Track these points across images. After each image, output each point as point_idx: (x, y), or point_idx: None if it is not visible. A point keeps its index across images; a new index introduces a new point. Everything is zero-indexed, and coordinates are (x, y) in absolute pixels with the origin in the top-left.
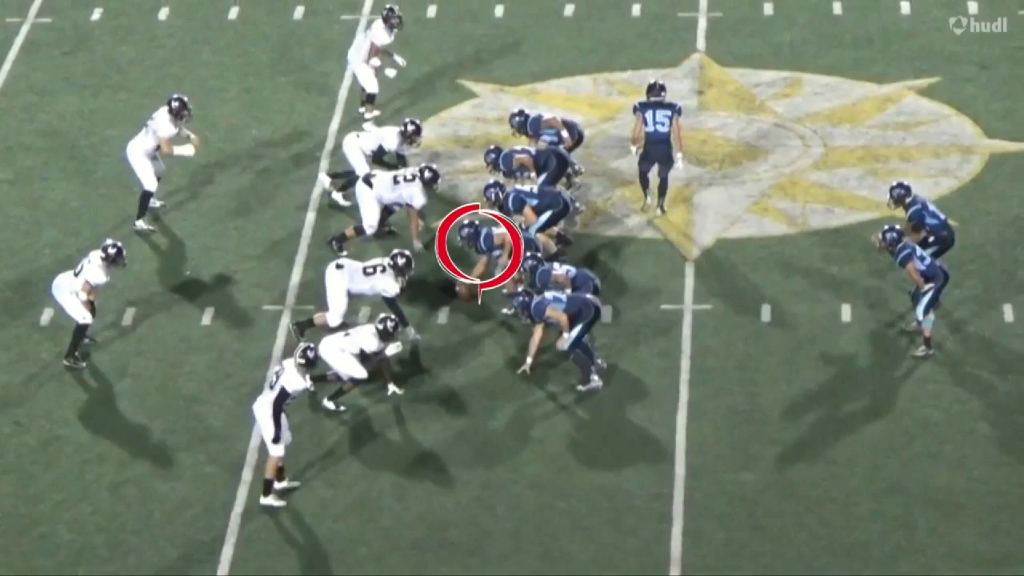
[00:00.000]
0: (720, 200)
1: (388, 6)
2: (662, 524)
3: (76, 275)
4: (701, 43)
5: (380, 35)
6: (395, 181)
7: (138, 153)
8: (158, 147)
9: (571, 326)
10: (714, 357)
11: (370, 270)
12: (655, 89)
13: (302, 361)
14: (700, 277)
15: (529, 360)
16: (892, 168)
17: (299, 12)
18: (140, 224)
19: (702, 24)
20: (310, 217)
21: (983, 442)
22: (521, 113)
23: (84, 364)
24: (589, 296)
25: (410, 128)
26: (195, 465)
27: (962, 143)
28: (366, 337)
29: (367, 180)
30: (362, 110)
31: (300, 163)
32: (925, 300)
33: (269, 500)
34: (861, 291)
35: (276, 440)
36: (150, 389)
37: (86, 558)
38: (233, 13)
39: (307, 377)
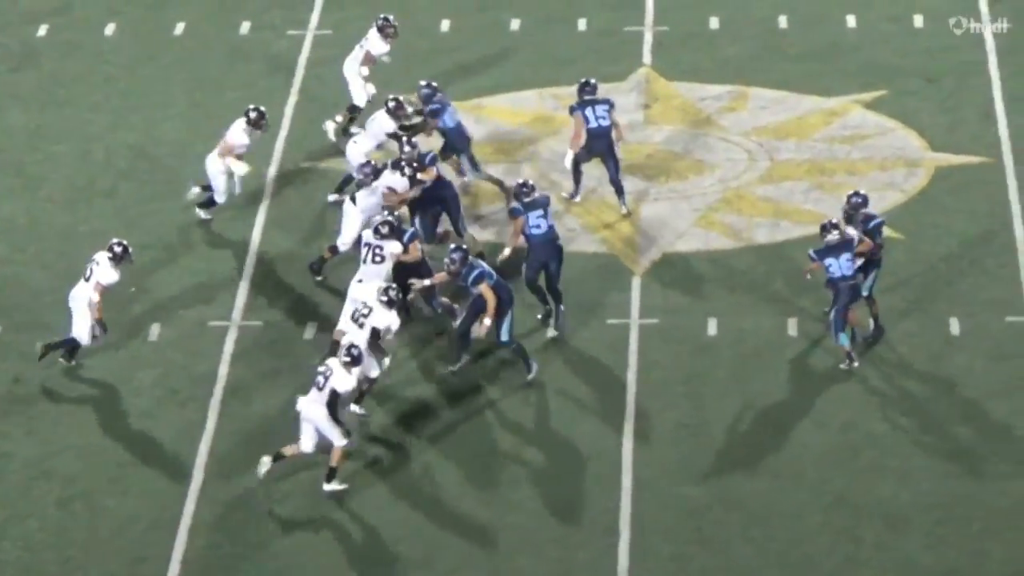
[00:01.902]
0: (666, 214)
1: (383, 16)
2: (610, 538)
3: (87, 280)
4: (647, 57)
5: (377, 45)
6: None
7: (216, 167)
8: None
9: (497, 314)
10: (660, 371)
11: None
12: (588, 87)
13: (347, 359)
14: (646, 291)
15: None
16: (838, 182)
17: (246, 27)
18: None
19: (648, 38)
20: (256, 233)
21: (929, 455)
22: (429, 85)
23: (40, 357)
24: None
25: (391, 104)
26: (143, 481)
27: (908, 156)
28: (378, 315)
29: (352, 198)
30: (339, 118)
31: (247, 179)
32: (835, 320)
33: (333, 486)
34: (807, 305)
35: (346, 435)
36: (97, 405)
37: (34, 575)
38: (179, 28)
39: (354, 373)
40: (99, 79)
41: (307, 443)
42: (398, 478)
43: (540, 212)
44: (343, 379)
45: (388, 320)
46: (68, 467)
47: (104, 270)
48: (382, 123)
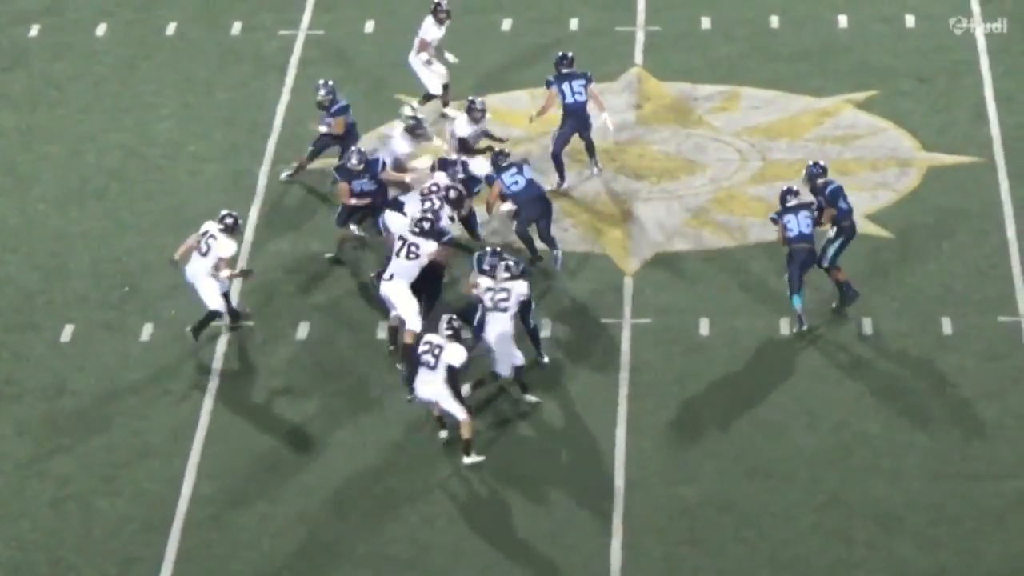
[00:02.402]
0: (658, 214)
1: (434, 1)
2: (602, 538)
3: (204, 255)
4: (639, 57)
5: (430, 30)
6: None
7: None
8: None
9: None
10: (653, 371)
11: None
12: (566, 60)
13: (449, 332)
14: (638, 291)
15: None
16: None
17: (237, 28)
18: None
19: (640, 38)
20: (248, 233)
21: (921, 455)
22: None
23: (196, 342)
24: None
25: (478, 106)
26: (135, 481)
27: (900, 156)
28: (448, 351)
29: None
30: (416, 105)
31: (239, 180)
32: (789, 280)
33: (472, 459)
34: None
35: (468, 411)
36: (89, 405)
37: (26, 575)
38: (171, 29)
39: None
40: (91, 80)
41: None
42: (387, 478)
43: (514, 171)
44: (455, 354)
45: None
46: (61, 467)
47: (222, 244)
48: (460, 129)
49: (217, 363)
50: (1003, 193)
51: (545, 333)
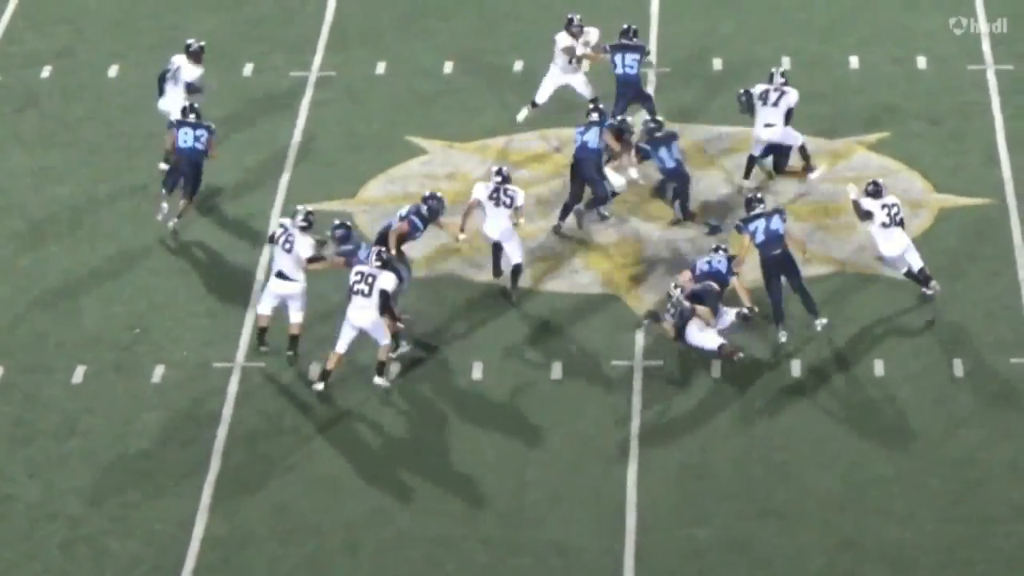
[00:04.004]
0: (670, 256)
1: (568, 15)
2: None
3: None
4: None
5: (567, 41)
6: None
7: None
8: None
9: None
10: (665, 413)
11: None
12: (628, 32)
13: (379, 262)
14: (650, 333)
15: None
16: (843, 223)
17: (248, 69)
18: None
19: (651, 79)
20: (259, 274)
21: (934, 497)
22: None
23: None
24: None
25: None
26: (146, 522)
27: (912, 198)
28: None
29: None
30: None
31: (250, 220)
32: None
33: (383, 380)
34: (813, 346)
35: (394, 335)
36: (100, 447)
37: None
38: None
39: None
40: (102, 121)
41: (342, 345)
42: (399, 520)
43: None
44: (386, 279)
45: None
46: (71, 509)
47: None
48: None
49: (228, 405)
50: (1015, 235)
51: (557, 374)
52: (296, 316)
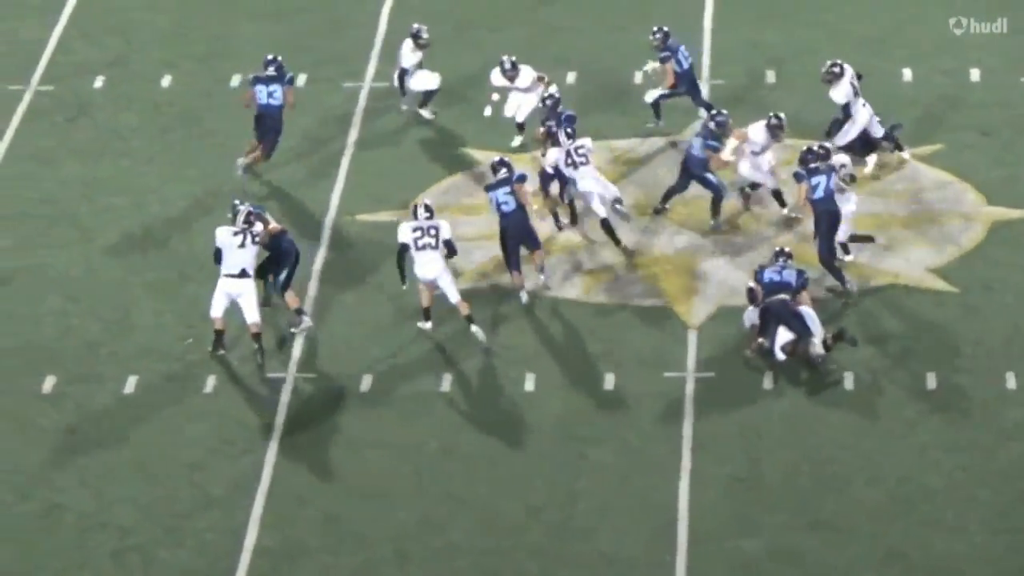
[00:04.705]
0: (722, 267)
1: (502, 58)
2: None
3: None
4: (703, 110)
5: (500, 81)
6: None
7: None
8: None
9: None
10: (716, 424)
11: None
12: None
13: (428, 214)
14: (702, 345)
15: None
16: (894, 235)
17: (301, 80)
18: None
19: (704, 91)
20: (312, 285)
21: (984, 509)
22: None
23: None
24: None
25: (774, 121)
26: (197, 533)
27: (964, 210)
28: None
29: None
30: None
31: (304, 232)
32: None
33: (478, 328)
34: (863, 359)
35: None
36: (151, 457)
37: None
38: (235, 80)
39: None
40: (155, 131)
41: (426, 299)
42: (449, 531)
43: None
44: (447, 227)
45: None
46: (122, 518)
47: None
48: (758, 136)
49: (279, 415)
50: None
51: (608, 386)
52: (253, 316)
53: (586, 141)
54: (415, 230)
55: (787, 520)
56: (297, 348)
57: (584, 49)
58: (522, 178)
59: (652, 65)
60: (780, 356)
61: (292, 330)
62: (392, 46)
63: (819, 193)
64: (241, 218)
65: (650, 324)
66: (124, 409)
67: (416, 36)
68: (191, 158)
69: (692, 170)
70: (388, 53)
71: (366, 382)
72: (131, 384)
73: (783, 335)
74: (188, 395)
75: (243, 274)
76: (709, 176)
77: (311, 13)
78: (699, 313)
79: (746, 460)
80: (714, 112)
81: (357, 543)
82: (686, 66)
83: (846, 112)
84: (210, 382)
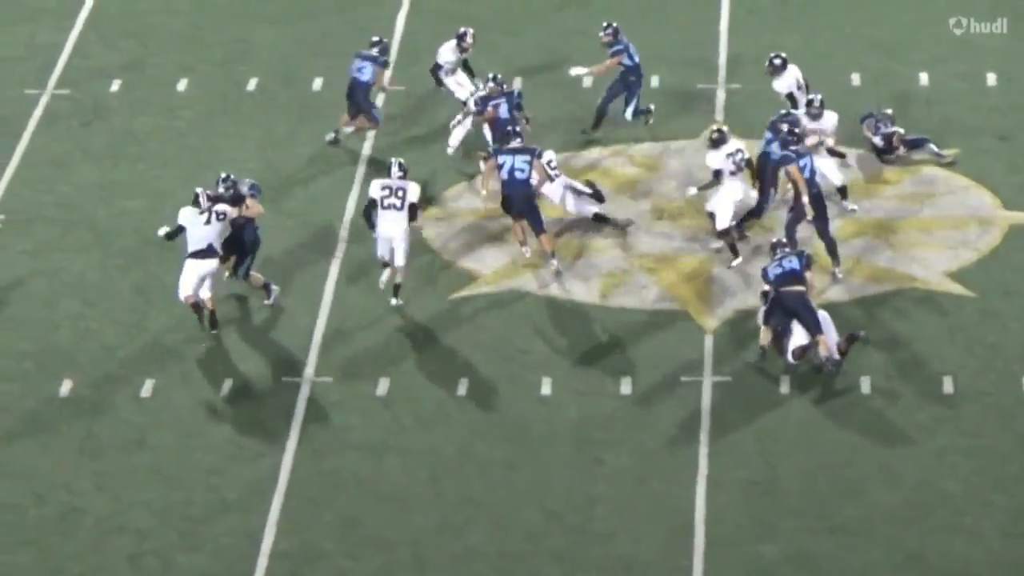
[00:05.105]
0: (738, 272)
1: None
2: None
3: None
4: (720, 114)
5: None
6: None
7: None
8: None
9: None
10: (733, 428)
11: None
12: None
13: (401, 173)
14: (718, 349)
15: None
16: (910, 240)
17: (318, 83)
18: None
19: (720, 96)
20: (329, 288)
21: (1001, 514)
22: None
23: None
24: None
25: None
26: (214, 537)
27: (981, 215)
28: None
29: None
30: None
31: (319, 235)
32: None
33: (399, 301)
34: (880, 363)
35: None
36: (169, 460)
37: None
38: (252, 84)
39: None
40: (171, 135)
41: (387, 256)
42: (467, 536)
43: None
44: (415, 189)
45: (416, 189)
46: (140, 522)
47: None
48: (830, 126)
49: (296, 419)
50: None
51: (626, 390)
52: (208, 292)
53: (550, 154)
54: (384, 188)
55: (804, 524)
56: (314, 352)
57: (599, 53)
58: (540, 154)
59: (579, 70)
60: (791, 360)
61: (266, 302)
62: (409, 50)
63: (807, 174)
64: (203, 199)
65: (667, 329)
66: (141, 413)
67: (461, 38)
68: (207, 162)
69: (766, 176)
70: (405, 56)
71: (383, 386)
72: (148, 388)
73: (798, 336)
74: (205, 398)
75: (210, 249)
76: (774, 190)
77: (328, 17)
78: (715, 318)
79: (763, 464)
80: (784, 112)
81: (375, 547)
82: (637, 59)
83: (793, 103)
84: (227, 386)
